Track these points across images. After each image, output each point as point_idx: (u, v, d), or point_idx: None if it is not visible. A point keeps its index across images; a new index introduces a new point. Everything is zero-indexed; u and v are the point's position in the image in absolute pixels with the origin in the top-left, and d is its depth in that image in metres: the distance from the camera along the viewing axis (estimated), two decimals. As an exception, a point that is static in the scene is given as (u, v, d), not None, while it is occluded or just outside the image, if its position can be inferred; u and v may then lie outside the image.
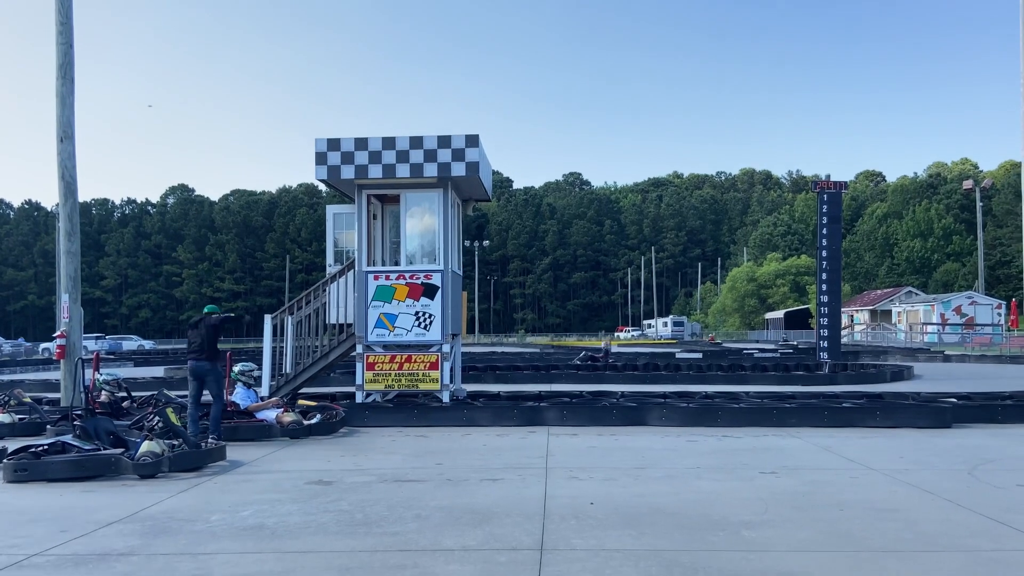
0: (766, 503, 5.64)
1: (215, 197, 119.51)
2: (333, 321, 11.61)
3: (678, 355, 30.83)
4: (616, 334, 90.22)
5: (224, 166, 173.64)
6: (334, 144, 10.72)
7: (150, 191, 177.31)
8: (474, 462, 7.51)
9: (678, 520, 5.15)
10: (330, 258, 12.21)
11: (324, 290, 11.66)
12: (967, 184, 49.00)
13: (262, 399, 10.44)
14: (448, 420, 10.30)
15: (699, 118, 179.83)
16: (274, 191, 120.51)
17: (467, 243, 76.60)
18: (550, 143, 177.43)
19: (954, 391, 13.14)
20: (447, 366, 10.99)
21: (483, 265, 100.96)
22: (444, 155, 10.56)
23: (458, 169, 10.57)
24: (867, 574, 3.97)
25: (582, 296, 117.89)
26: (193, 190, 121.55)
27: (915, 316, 52.20)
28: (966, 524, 4.99)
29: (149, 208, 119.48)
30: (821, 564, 4.14)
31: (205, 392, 9.04)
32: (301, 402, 10.57)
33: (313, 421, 9.70)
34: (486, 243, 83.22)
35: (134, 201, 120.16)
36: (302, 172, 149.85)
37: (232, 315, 10.87)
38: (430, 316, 10.86)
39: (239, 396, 10.09)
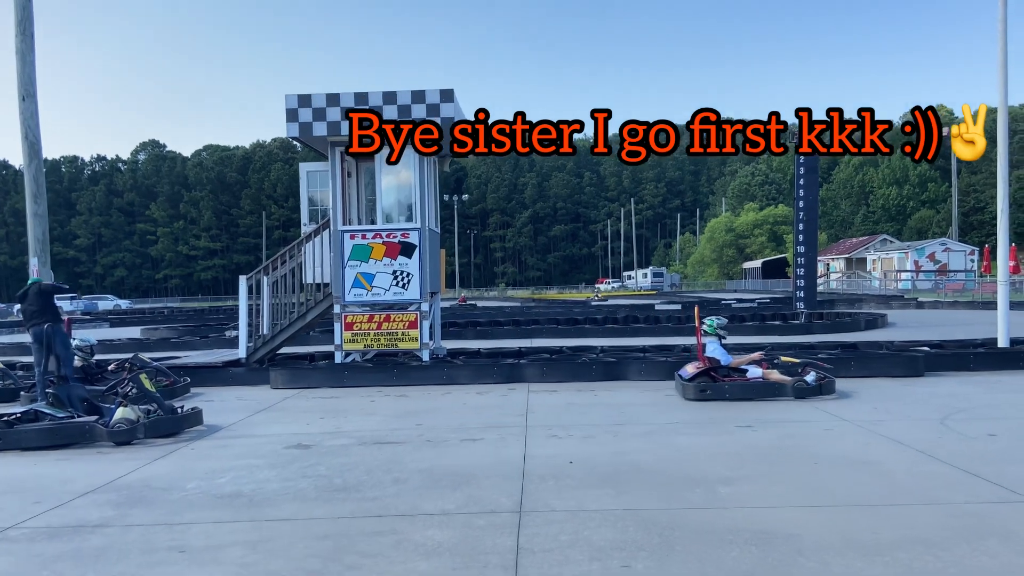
0: (742, 458, 5.69)
1: (187, 153, 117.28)
2: (310, 281, 11.48)
3: (657, 307, 31.04)
4: (597, 286, 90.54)
5: (195, 121, 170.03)
6: (304, 100, 10.46)
7: (120, 147, 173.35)
8: (454, 422, 7.52)
9: (656, 478, 5.18)
10: (305, 217, 12.00)
11: (300, 249, 11.50)
12: (943, 131, 49.02)
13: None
14: (428, 379, 10.29)
15: (677, 67, 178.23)
16: (248, 146, 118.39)
17: (446, 197, 76.03)
18: (529, 95, 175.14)
19: (926, 339, 13.34)
20: (426, 325, 10.95)
21: (463, 219, 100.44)
22: (419, 110, 10.33)
23: (433, 125, 10.34)
24: (839, 530, 4.02)
25: (562, 249, 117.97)
26: (164, 146, 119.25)
27: (890, 263, 52.82)
28: (939, 476, 5.08)
29: (120, 165, 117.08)
30: (795, 520, 4.18)
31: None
32: (785, 359, 9.30)
33: (808, 378, 8.48)
34: (465, 197, 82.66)
35: (104, 158, 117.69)
36: (275, 127, 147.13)
37: (66, 287, 10.61)
38: (408, 275, 10.76)
39: (717, 352, 8.89)
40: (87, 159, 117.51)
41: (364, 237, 10.80)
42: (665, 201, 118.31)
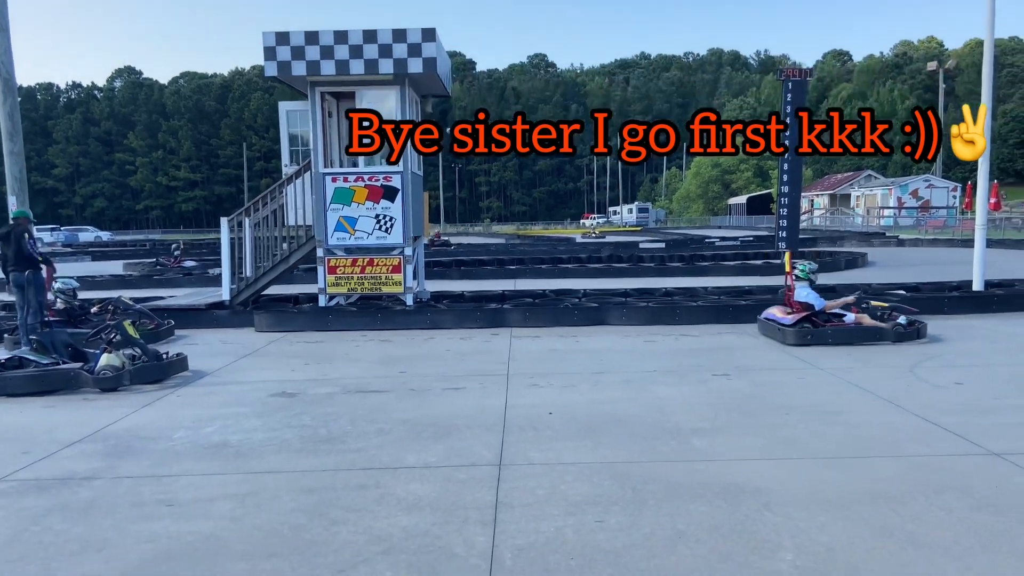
0: (716, 408, 5.86)
1: (164, 80, 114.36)
2: (292, 223, 11.43)
3: (642, 245, 31.16)
4: (582, 221, 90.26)
5: (171, 47, 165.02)
6: (283, 38, 10.21)
7: (96, 75, 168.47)
8: (437, 369, 7.64)
9: (632, 429, 5.34)
10: (285, 158, 11.86)
11: (281, 191, 11.40)
12: (931, 66, 48.71)
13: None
14: (412, 323, 10.38)
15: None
16: (226, 74, 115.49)
17: (430, 130, 74.74)
18: (514, 22, 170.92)
19: (904, 281, 13.54)
20: (410, 269, 10.98)
21: (447, 153, 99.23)
22: (400, 50, 10.14)
23: (415, 65, 10.18)
24: (804, 483, 4.19)
25: (548, 183, 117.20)
26: (141, 73, 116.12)
27: (873, 200, 53.00)
28: (904, 427, 5.26)
29: (96, 93, 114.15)
30: (762, 473, 4.35)
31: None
32: (875, 303, 9.23)
33: (901, 320, 8.49)
34: (448, 129, 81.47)
35: (80, 85, 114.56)
36: (254, 54, 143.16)
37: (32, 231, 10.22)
38: (391, 219, 10.74)
39: (810, 297, 8.88)
40: (62, 86, 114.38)
41: (346, 180, 10.71)
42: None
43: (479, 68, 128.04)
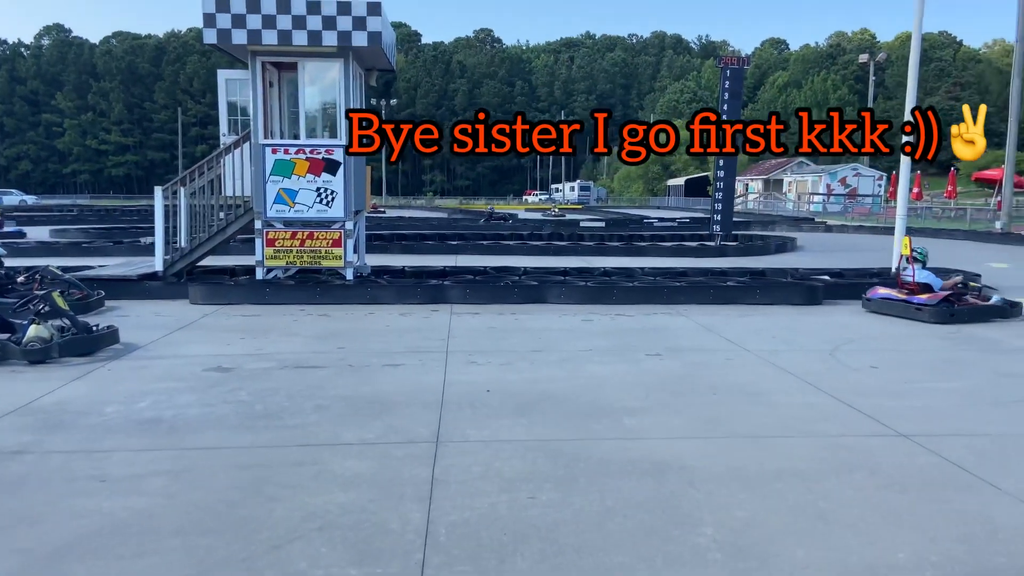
0: (648, 388, 6.07)
1: (95, 40, 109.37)
2: (230, 194, 11.22)
3: (582, 223, 31.46)
4: (524, 198, 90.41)
5: (103, 6, 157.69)
6: (223, 5, 9.94)
7: (22, 32, 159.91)
8: (376, 345, 7.67)
9: (567, 407, 5.50)
10: (224, 127, 11.61)
11: (219, 161, 11.17)
12: (863, 58, 50.19)
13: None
14: (351, 298, 10.36)
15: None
16: (161, 35, 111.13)
17: (373, 101, 73.72)
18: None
19: (829, 266, 14.11)
20: (350, 243, 10.92)
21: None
22: (344, 23, 9.99)
23: (359, 39, 10.05)
24: (727, 461, 4.42)
25: (491, 159, 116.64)
26: (70, 31, 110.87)
27: (804, 186, 54.61)
28: (821, 408, 5.56)
29: (22, 50, 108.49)
30: (688, 452, 4.56)
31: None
32: (972, 284, 10.27)
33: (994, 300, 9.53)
34: (394, 102, 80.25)
35: (4, 42, 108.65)
36: (191, 16, 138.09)
37: None
38: (332, 192, 10.64)
39: (929, 278, 9.85)
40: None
41: (287, 152, 10.56)
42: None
43: (424, 40, 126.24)
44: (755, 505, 3.81)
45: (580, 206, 64.29)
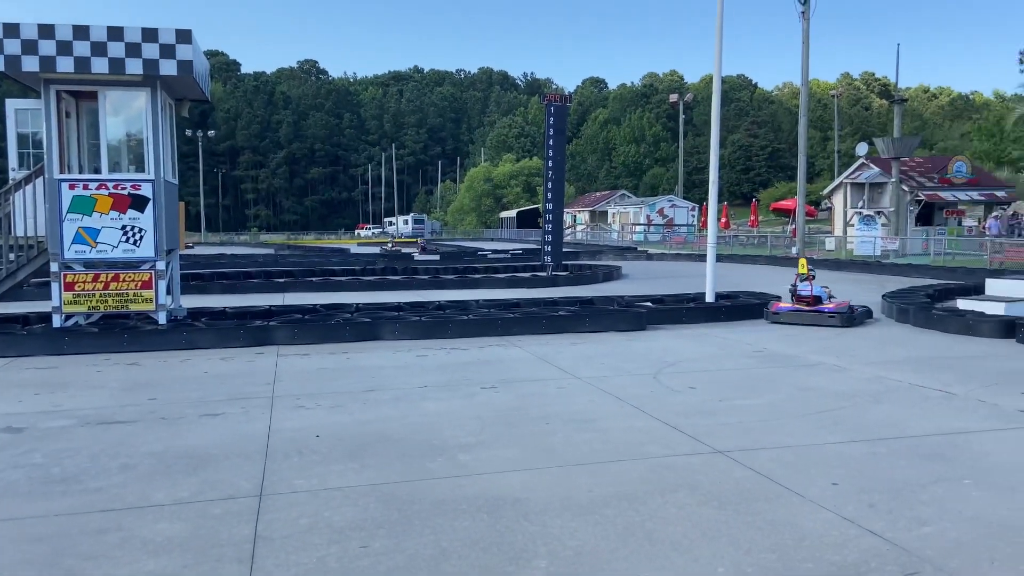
0: (483, 422, 6.06)
1: None
2: (21, 234, 10.15)
3: (416, 257, 31.41)
4: (357, 232, 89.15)
5: None
6: (12, 30, 9.03)
7: None
8: (193, 394, 7.14)
9: (401, 447, 5.36)
10: (13, 161, 10.51)
11: (8, 199, 10.08)
12: (673, 97, 54.26)
13: None
14: (165, 344, 9.62)
15: (440, 11, 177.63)
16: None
17: (188, 132, 70.03)
18: (282, 25, 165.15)
19: (651, 293, 14.92)
20: (163, 284, 10.17)
21: (209, 156, 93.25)
22: (151, 50, 9.38)
23: (168, 67, 9.47)
24: (560, 490, 4.47)
25: (321, 192, 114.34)
26: None
27: (627, 217, 57.77)
28: (647, 431, 5.79)
29: None
30: (523, 484, 4.57)
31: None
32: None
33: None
34: (212, 133, 76.61)
35: None
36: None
37: None
38: (140, 230, 9.89)
39: (819, 291, 11.90)
40: None
41: (87, 187, 9.70)
42: (427, 147, 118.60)
43: (244, 70, 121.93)
44: (587, 532, 3.86)
45: (414, 239, 64.22)
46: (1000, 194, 37.16)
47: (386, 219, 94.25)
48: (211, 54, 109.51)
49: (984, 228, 32.23)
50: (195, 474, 4.83)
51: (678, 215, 54.55)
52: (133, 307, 10.02)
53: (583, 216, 66.54)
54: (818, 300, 11.89)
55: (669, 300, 13.78)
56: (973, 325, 10.60)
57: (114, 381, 7.80)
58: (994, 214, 34.77)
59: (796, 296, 12.13)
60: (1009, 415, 6.20)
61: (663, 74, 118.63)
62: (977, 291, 14.00)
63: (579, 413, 6.34)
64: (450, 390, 7.29)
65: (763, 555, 3.58)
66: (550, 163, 21.62)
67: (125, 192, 9.78)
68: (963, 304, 12.23)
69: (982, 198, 36.48)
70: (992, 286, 13.41)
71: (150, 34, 9.35)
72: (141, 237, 9.88)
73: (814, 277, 12.06)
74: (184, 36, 9.50)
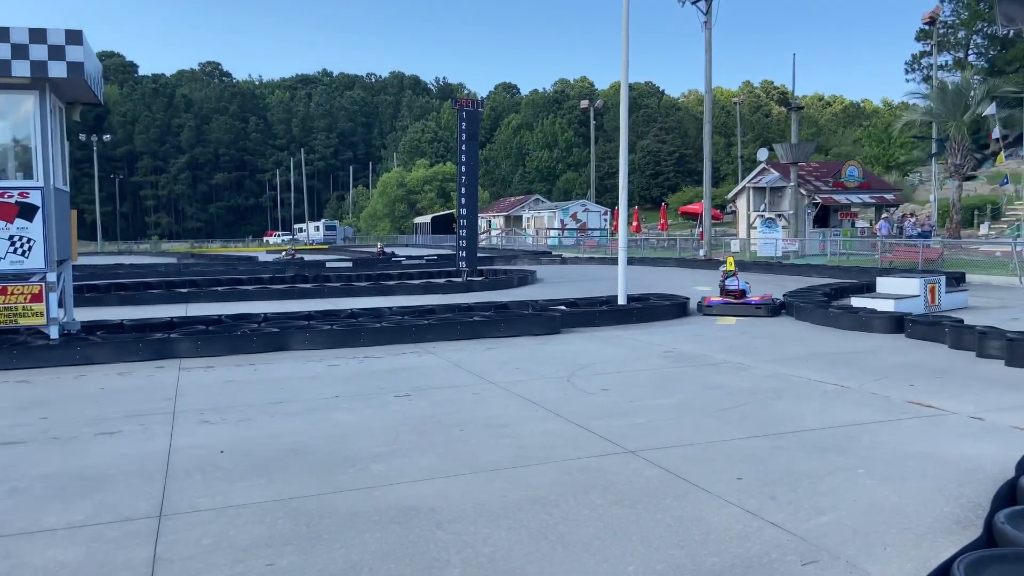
0: (397, 431, 5.98)
1: None
2: None
3: (328, 264, 30.82)
4: (266, 239, 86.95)
5: None
6: None
7: None
8: (88, 412, 6.78)
9: (311, 460, 5.24)
10: None
11: None
12: (584, 104, 55.19)
13: None
14: (57, 359, 9.10)
15: (349, 14, 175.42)
16: None
17: (83, 137, 66.70)
18: (181, 26, 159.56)
19: (565, 297, 15.09)
20: (54, 297, 9.63)
21: (105, 162, 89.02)
22: (39, 52, 8.88)
23: (58, 69, 8.98)
24: (474, 497, 4.46)
25: (226, 198, 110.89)
26: None
27: (541, 222, 58.33)
28: (560, 434, 5.84)
29: None
30: (439, 492, 4.54)
31: None
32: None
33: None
34: (107, 137, 73.12)
35: None
36: None
37: None
38: (29, 240, 9.34)
39: (743, 285, 13.53)
40: None
41: (-32, 195, 9.09)
42: (337, 152, 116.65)
43: (142, 72, 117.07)
44: (500, 538, 3.86)
45: (327, 246, 63.06)
46: (889, 196, 39.46)
47: (296, 225, 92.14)
48: (105, 55, 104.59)
49: (875, 229, 34.10)
50: (90, 496, 4.58)
51: (591, 219, 55.46)
52: (23, 322, 9.45)
53: (498, 221, 66.82)
54: (744, 293, 13.42)
55: (583, 303, 13.97)
56: (866, 321, 11.19)
57: (3, 400, 7.33)
58: (884, 215, 36.87)
59: (724, 291, 13.58)
60: (899, 406, 6.56)
61: (574, 80, 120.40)
62: (869, 289, 14.79)
63: (494, 418, 6.35)
64: (363, 400, 7.17)
65: (671, 551, 3.66)
66: (464, 168, 21.63)
67: (12, 200, 9.22)
68: (857, 302, 12.87)
69: (873, 201, 38.60)
70: (883, 284, 14.18)
71: (38, 35, 8.85)
72: (30, 248, 9.33)
73: (738, 272, 13.68)
74: (75, 37, 9.03)
